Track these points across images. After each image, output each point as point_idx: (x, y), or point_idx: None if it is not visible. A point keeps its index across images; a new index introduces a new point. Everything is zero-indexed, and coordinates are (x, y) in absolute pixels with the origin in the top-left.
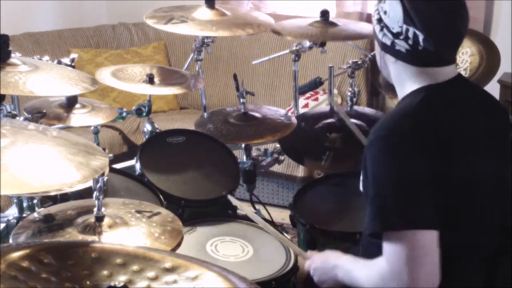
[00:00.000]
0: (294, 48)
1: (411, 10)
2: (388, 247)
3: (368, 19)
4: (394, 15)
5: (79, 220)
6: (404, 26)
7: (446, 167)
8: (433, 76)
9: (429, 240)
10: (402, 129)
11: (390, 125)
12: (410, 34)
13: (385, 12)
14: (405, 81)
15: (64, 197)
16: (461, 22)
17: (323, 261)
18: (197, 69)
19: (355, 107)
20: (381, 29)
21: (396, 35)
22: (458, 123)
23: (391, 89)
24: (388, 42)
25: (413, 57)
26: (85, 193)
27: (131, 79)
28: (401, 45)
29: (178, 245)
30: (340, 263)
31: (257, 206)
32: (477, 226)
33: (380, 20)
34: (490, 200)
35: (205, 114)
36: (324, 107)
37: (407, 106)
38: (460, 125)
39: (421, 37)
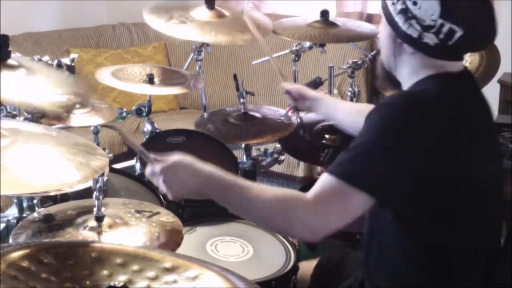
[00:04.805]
0: (294, 48)
1: (453, 6)
2: (327, 189)
3: (368, 19)
4: (428, 8)
5: (79, 220)
6: (439, 21)
7: (447, 165)
8: (447, 66)
9: (363, 204)
10: (415, 114)
11: (406, 104)
12: (445, 29)
13: (414, 3)
14: (417, 71)
15: (64, 197)
16: (496, 21)
17: (184, 165)
18: (197, 69)
19: None
20: (407, 20)
21: (426, 28)
22: (467, 120)
23: (389, 80)
24: (415, 34)
25: (439, 51)
26: (85, 193)
27: (131, 79)
28: (430, 38)
29: (178, 245)
30: (222, 177)
31: None
32: (477, 226)
33: (405, 11)
34: (489, 200)
35: (205, 114)
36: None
37: (425, 92)
38: (469, 122)
39: (458, 33)
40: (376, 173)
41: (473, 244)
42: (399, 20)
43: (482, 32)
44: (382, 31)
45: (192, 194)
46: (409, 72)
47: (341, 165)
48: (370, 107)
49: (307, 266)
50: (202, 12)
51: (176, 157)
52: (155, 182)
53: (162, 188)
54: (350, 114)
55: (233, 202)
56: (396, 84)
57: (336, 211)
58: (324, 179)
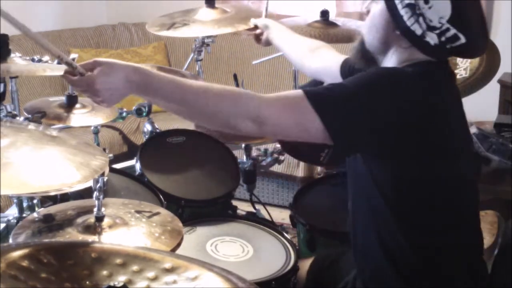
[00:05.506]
0: None
1: (463, 14)
2: (290, 96)
3: None
4: (439, 10)
5: (79, 220)
6: (447, 25)
7: (443, 166)
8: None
9: (316, 128)
10: (409, 85)
11: (405, 74)
12: (450, 34)
13: (426, 1)
14: (405, 61)
15: (64, 197)
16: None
17: (114, 66)
18: (197, 69)
19: None
20: (413, 15)
21: (431, 28)
22: (457, 111)
23: (365, 58)
24: (419, 32)
25: (436, 51)
26: (85, 193)
27: None
28: (432, 38)
29: (178, 245)
30: (159, 72)
31: (257, 206)
32: (476, 226)
33: (414, 6)
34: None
35: None
36: None
37: (426, 74)
38: (458, 117)
39: (461, 41)
40: (337, 108)
41: (473, 244)
42: (404, 14)
43: (479, 45)
44: (378, 16)
45: (124, 95)
46: (395, 61)
47: (315, 89)
48: (318, 43)
49: (306, 265)
50: (204, 13)
51: (100, 67)
52: (86, 95)
53: (95, 99)
54: (298, 48)
55: (174, 94)
56: (371, 63)
57: (289, 117)
58: (293, 91)
